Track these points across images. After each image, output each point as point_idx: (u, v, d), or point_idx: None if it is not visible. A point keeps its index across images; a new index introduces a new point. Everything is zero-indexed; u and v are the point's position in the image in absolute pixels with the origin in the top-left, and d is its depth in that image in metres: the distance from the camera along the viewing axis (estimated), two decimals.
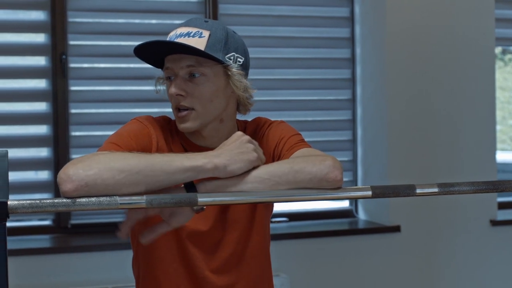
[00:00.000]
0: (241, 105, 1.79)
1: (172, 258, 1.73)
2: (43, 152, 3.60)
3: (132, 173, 1.42)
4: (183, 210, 1.55)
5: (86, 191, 1.38)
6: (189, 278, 1.75)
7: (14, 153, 3.51)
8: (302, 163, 1.53)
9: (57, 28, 3.56)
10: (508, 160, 5.50)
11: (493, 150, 3.99)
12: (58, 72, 3.56)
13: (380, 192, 1.48)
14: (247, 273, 1.80)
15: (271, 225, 1.92)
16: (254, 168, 1.53)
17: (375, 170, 3.92)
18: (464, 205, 3.90)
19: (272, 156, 1.75)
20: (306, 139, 1.77)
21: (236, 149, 1.53)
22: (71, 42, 3.59)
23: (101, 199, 1.36)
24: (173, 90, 1.70)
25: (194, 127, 1.72)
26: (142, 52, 1.72)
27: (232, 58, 1.72)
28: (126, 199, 1.38)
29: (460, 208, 3.90)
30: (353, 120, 4.03)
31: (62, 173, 1.39)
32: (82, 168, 1.39)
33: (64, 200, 1.35)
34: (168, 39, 1.72)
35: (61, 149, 3.56)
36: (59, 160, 3.54)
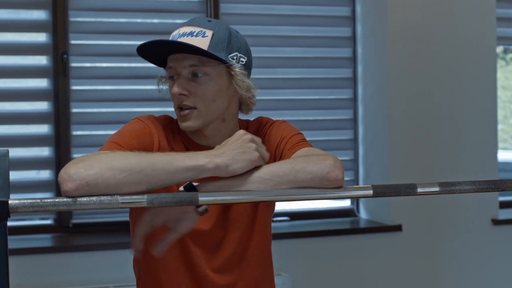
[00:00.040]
0: (244, 104, 1.79)
1: (173, 257, 1.73)
2: (45, 152, 3.60)
3: (133, 172, 1.42)
4: (189, 215, 1.56)
5: (87, 191, 1.38)
6: (190, 277, 1.75)
7: (16, 152, 3.51)
8: (303, 162, 1.53)
9: (59, 28, 3.56)
10: (510, 159, 5.50)
11: (494, 149, 3.98)
12: (60, 71, 3.56)
13: (381, 191, 1.48)
14: (249, 272, 1.80)
15: (273, 224, 1.92)
16: (255, 168, 1.53)
17: (376, 169, 3.92)
18: (465, 205, 3.90)
19: (274, 155, 1.75)
20: (307, 139, 1.77)
21: (237, 149, 1.53)
22: (73, 42, 3.59)
23: (102, 198, 1.36)
24: (176, 89, 1.70)
25: (196, 126, 1.72)
26: (145, 51, 1.72)
27: (235, 57, 1.72)
28: (127, 198, 1.38)
29: (462, 207, 3.90)
30: (355, 119, 4.03)
31: (63, 173, 1.39)
32: (83, 168, 1.39)
33: (65, 199, 1.35)
34: (171, 38, 1.72)
35: (62, 149, 3.56)
36: (60, 159, 3.54)
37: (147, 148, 1.66)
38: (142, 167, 1.43)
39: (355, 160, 4.03)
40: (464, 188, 1.53)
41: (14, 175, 3.44)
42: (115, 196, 1.37)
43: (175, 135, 1.77)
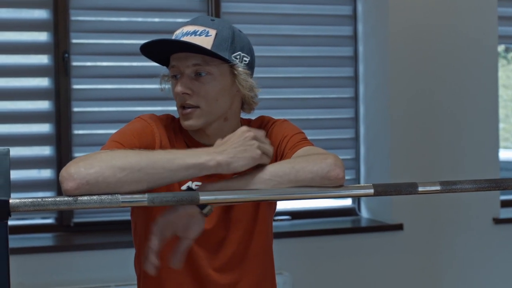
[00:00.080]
0: (246, 104, 1.79)
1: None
2: (46, 151, 3.60)
3: (134, 171, 1.42)
4: (195, 219, 1.56)
5: (87, 189, 1.38)
6: (192, 276, 1.75)
7: (17, 151, 3.51)
8: (304, 162, 1.53)
9: (60, 27, 3.56)
10: (511, 158, 5.50)
11: (495, 148, 3.98)
12: (61, 70, 3.56)
13: (382, 190, 1.48)
14: (250, 271, 1.80)
15: (274, 223, 1.93)
16: (256, 168, 1.54)
17: (377, 168, 3.92)
18: (467, 203, 3.90)
19: (275, 154, 1.75)
20: (308, 137, 1.77)
21: (240, 146, 1.53)
22: (74, 41, 3.59)
23: (103, 197, 1.36)
24: (179, 88, 1.70)
25: (198, 125, 1.72)
26: (148, 50, 1.72)
27: (238, 57, 1.72)
28: (128, 197, 1.38)
29: (463, 206, 3.90)
30: (356, 118, 4.03)
31: (64, 172, 1.40)
32: (83, 166, 1.40)
33: (66, 198, 1.35)
34: (174, 37, 1.72)
35: (63, 148, 3.56)
36: (61, 158, 3.54)
37: (148, 147, 1.66)
38: (142, 166, 1.43)
39: (356, 159, 4.03)
40: (465, 187, 1.53)
41: (15, 174, 3.45)
42: (116, 195, 1.37)
43: (177, 134, 1.77)
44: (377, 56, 3.90)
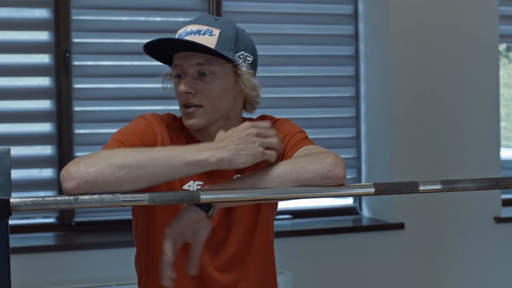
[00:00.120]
0: (248, 103, 1.79)
1: (176, 256, 1.73)
2: (47, 150, 3.60)
3: (133, 169, 1.42)
4: (202, 223, 1.57)
5: (87, 189, 1.38)
6: (193, 276, 1.75)
7: (18, 151, 3.51)
8: (304, 162, 1.53)
9: (61, 26, 3.56)
10: None
11: (497, 147, 3.98)
12: (62, 70, 3.56)
13: (383, 189, 1.48)
14: (251, 271, 1.80)
15: (275, 222, 1.93)
16: (256, 167, 1.53)
17: (379, 168, 3.92)
18: (468, 202, 3.90)
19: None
20: (310, 136, 1.77)
21: (241, 143, 1.53)
22: (75, 40, 3.59)
23: (103, 196, 1.36)
24: (182, 88, 1.70)
25: (201, 124, 1.72)
26: (151, 49, 1.72)
27: (241, 57, 1.72)
28: (129, 197, 1.38)
29: (464, 205, 3.90)
30: (357, 117, 4.03)
31: (64, 171, 1.40)
32: (83, 166, 1.40)
33: (66, 197, 1.36)
34: (177, 36, 1.72)
35: (65, 147, 3.56)
36: (62, 158, 3.54)
37: (150, 146, 1.65)
38: (142, 164, 1.43)
39: (358, 158, 4.03)
40: (466, 186, 1.53)
41: (16, 174, 3.45)
42: (117, 194, 1.37)
43: (179, 133, 1.77)
44: (378, 55, 3.90)
